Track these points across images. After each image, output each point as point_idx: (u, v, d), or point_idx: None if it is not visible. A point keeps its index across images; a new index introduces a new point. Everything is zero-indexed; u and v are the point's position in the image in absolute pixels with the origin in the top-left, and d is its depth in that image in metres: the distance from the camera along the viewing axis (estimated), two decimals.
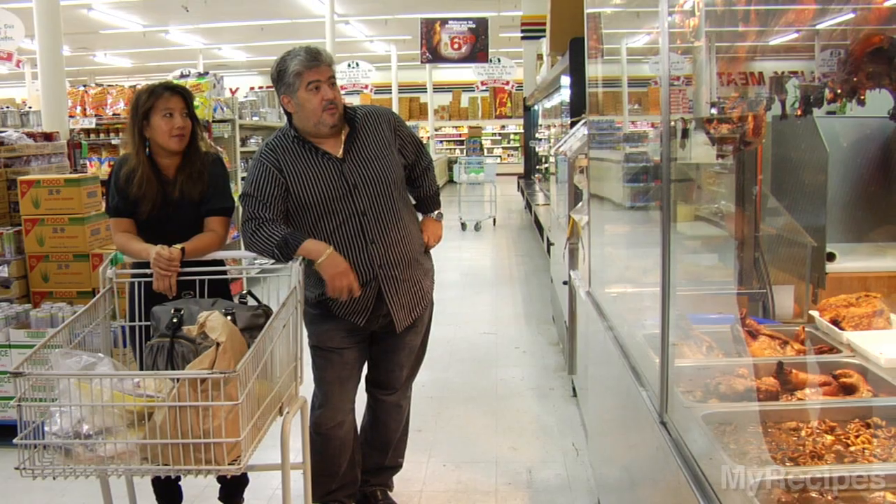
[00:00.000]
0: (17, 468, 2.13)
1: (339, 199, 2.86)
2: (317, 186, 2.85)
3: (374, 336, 3.08)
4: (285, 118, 2.96)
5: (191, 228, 2.90)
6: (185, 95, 2.90)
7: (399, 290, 2.96)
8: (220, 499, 3.22)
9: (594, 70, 3.53)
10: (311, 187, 2.85)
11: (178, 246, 2.76)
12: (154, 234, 2.88)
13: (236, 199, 3.19)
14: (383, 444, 3.31)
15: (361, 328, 2.99)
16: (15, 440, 2.13)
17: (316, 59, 2.80)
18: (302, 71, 2.78)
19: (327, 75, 2.82)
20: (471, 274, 9.07)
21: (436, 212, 3.22)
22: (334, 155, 2.88)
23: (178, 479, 3.09)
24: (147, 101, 2.84)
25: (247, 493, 3.26)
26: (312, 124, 2.85)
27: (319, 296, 2.90)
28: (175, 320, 2.46)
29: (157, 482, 3.08)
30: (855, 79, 1.46)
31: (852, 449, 1.73)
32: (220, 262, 2.93)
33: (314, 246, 2.77)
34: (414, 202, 3.18)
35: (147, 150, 2.89)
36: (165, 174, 2.91)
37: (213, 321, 2.22)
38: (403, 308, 2.99)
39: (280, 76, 2.84)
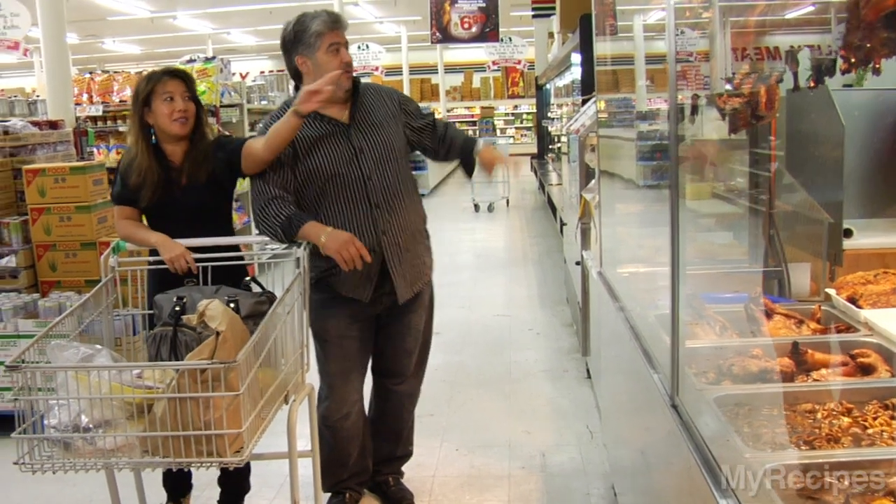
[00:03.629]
0: (16, 463, 2.11)
1: (345, 163, 2.85)
2: (323, 150, 2.84)
3: (377, 323, 3.05)
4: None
5: (197, 214, 2.86)
6: (185, 79, 2.87)
7: (402, 260, 2.92)
8: (220, 484, 3.15)
9: (603, 47, 3.46)
10: (317, 152, 2.84)
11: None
12: (159, 221, 2.85)
13: (241, 184, 3.14)
14: (394, 435, 3.29)
15: (364, 310, 2.95)
16: (13, 434, 2.10)
17: (338, 22, 2.82)
18: (324, 31, 2.77)
19: (345, 39, 2.84)
20: (484, 255, 9.01)
21: (481, 141, 3.13)
22: (340, 120, 2.88)
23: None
24: (146, 87, 2.81)
25: (258, 481, 3.23)
26: None
27: (322, 272, 2.86)
28: (177, 308, 2.43)
29: (165, 471, 3.05)
30: (868, 45, 1.36)
31: (870, 431, 1.68)
32: (234, 248, 2.89)
33: (313, 229, 2.72)
34: (460, 158, 3.10)
35: (154, 137, 2.86)
36: (172, 160, 2.87)
37: (213, 310, 2.18)
38: (406, 279, 2.95)
39: (297, 36, 2.81)
